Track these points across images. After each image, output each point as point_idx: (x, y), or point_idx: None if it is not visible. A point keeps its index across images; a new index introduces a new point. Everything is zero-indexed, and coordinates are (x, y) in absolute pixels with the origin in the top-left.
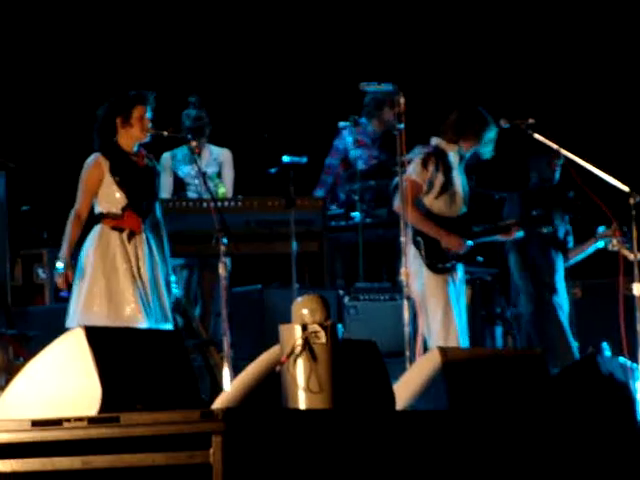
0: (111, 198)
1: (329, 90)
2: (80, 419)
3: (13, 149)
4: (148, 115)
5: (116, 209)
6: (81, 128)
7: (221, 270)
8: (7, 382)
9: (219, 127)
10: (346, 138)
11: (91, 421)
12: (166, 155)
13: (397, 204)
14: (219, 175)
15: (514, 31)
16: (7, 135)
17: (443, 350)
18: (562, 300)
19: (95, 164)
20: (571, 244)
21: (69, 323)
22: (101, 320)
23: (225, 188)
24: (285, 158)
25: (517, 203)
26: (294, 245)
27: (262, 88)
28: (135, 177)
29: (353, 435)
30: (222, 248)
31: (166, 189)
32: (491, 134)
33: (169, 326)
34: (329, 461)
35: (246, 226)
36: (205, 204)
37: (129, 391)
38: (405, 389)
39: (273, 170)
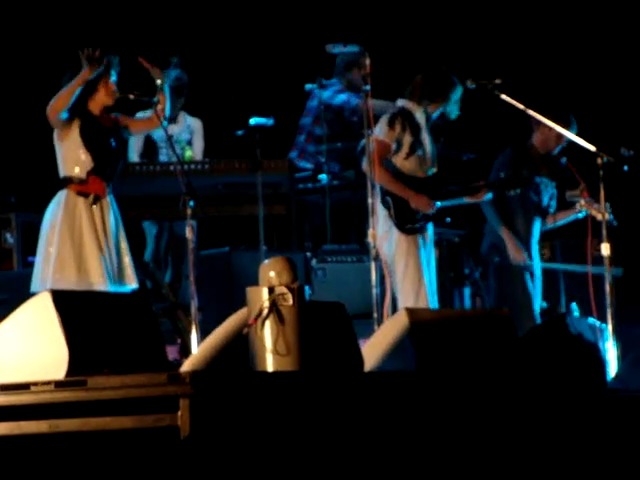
0: (77, 160)
1: (295, 52)
2: (47, 383)
3: None
4: (113, 79)
5: (80, 172)
6: (48, 90)
7: (188, 233)
8: None
9: (189, 95)
10: (321, 94)
11: (58, 385)
12: (139, 115)
13: (365, 165)
14: (190, 143)
15: None
16: None
17: (411, 311)
18: (534, 264)
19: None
20: (553, 209)
21: (36, 287)
22: (70, 286)
23: (192, 152)
24: (252, 120)
25: (509, 159)
26: (261, 208)
27: (229, 50)
28: (102, 141)
29: (321, 397)
30: (189, 211)
31: (136, 151)
32: (457, 95)
33: (135, 287)
34: (297, 423)
35: (213, 189)
36: (172, 167)
37: (96, 355)
38: (373, 351)
39: (240, 132)
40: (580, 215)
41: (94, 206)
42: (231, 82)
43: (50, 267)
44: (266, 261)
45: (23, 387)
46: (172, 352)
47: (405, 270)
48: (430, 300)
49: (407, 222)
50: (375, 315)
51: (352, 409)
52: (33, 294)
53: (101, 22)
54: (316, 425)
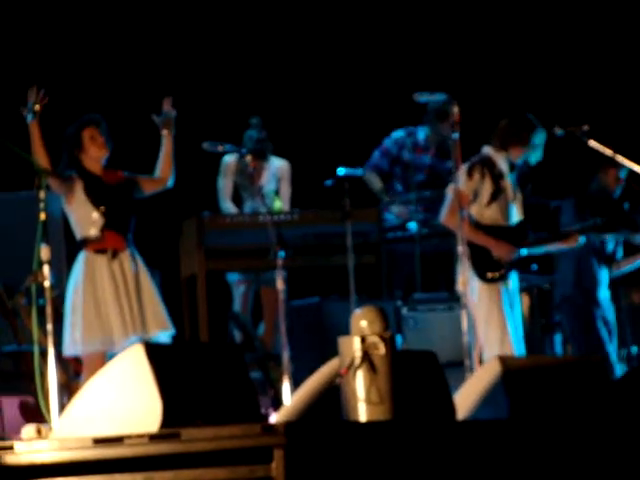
0: (89, 219)
1: (383, 101)
2: (141, 436)
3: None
4: (102, 134)
5: (95, 230)
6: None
7: (279, 284)
8: (68, 400)
9: (276, 140)
10: (396, 140)
11: (152, 437)
12: (229, 159)
13: (444, 216)
14: (277, 192)
15: (568, 38)
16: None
17: (503, 359)
18: (606, 312)
19: (72, 175)
20: (620, 255)
21: (65, 351)
22: (96, 346)
23: (281, 202)
24: (340, 170)
25: (572, 209)
26: (351, 257)
27: (318, 100)
28: (108, 195)
29: (414, 446)
30: (279, 262)
31: (227, 193)
32: (538, 139)
33: (169, 333)
34: (391, 473)
35: (303, 239)
36: (261, 218)
37: (189, 406)
38: (465, 399)
39: (329, 182)
40: None
41: (114, 261)
42: (320, 132)
43: (77, 331)
44: (358, 310)
45: (117, 440)
46: (264, 403)
47: (488, 319)
48: (516, 348)
49: (487, 270)
50: (466, 363)
51: (446, 458)
52: (59, 358)
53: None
54: (410, 475)
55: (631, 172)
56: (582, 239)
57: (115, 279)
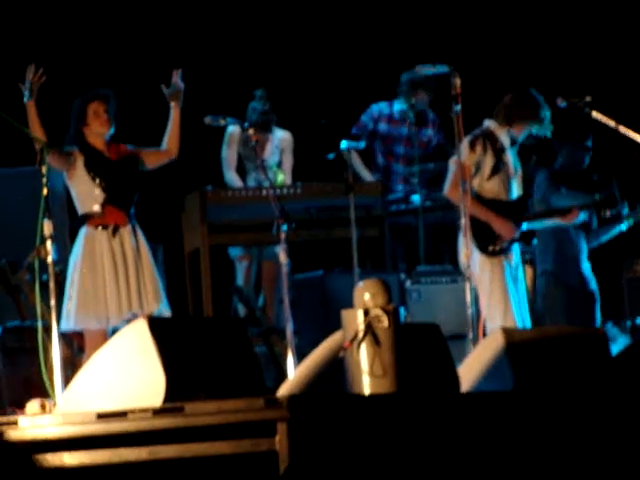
0: (90, 195)
1: (386, 73)
2: (145, 410)
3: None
4: (106, 109)
5: (97, 206)
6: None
7: (282, 257)
8: (72, 375)
9: (279, 113)
10: (372, 114)
11: (156, 412)
12: (233, 129)
13: (447, 189)
14: (279, 165)
15: (570, 8)
16: (65, 128)
17: (506, 331)
18: (589, 280)
19: (72, 150)
20: (594, 225)
21: (62, 326)
22: (91, 322)
23: (284, 175)
24: (343, 143)
25: (544, 182)
26: (354, 230)
27: (319, 74)
28: (110, 170)
29: (418, 418)
30: (282, 235)
31: (231, 163)
32: (545, 116)
33: (166, 308)
34: (395, 445)
35: (306, 212)
36: (264, 192)
37: (193, 381)
38: (469, 371)
39: (331, 156)
40: (622, 227)
41: (114, 236)
42: (322, 105)
43: (73, 306)
44: (361, 283)
45: (121, 415)
46: (268, 377)
47: (490, 291)
48: (519, 320)
49: (488, 244)
50: (470, 335)
51: (449, 430)
52: (62, 334)
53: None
54: (414, 447)
55: (634, 143)
56: (582, 215)
57: (115, 255)
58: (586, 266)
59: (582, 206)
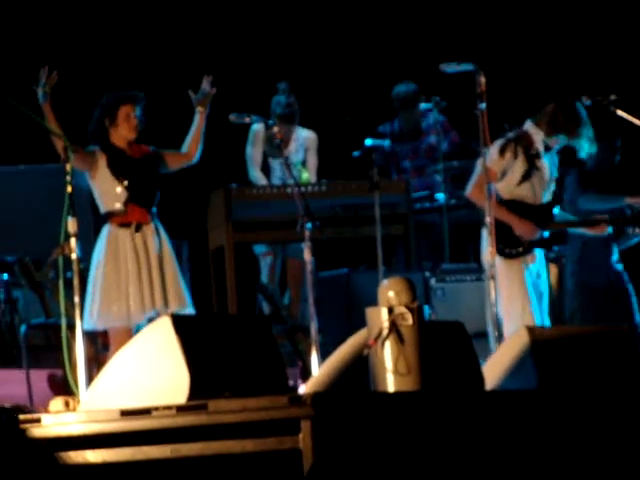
0: (112, 193)
1: (411, 72)
2: (168, 408)
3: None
4: (137, 114)
5: (119, 204)
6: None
7: (306, 255)
8: (96, 372)
9: (303, 111)
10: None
11: (179, 409)
12: (257, 126)
13: (469, 190)
14: (303, 163)
15: (595, 6)
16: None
17: (531, 329)
18: (621, 284)
19: (95, 150)
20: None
21: (85, 325)
22: (114, 321)
23: (308, 173)
24: (368, 141)
25: (571, 183)
26: (379, 228)
27: (344, 72)
28: (132, 169)
29: (442, 416)
30: (307, 233)
31: (256, 162)
32: (587, 133)
33: (188, 306)
34: (419, 443)
35: (330, 210)
36: (288, 189)
37: (217, 378)
38: (494, 369)
39: (356, 153)
40: None
41: (137, 234)
42: (347, 103)
43: (96, 305)
44: (385, 281)
45: (145, 412)
46: (292, 374)
47: (508, 293)
48: (538, 321)
49: (506, 247)
50: (495, 334)
51: (474, 428)
52: (86, 332)
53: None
54: (438, 445)
55: None
56: (609, 229)
57: (138, 253)
58: (617, 267)
59: (610, 221)
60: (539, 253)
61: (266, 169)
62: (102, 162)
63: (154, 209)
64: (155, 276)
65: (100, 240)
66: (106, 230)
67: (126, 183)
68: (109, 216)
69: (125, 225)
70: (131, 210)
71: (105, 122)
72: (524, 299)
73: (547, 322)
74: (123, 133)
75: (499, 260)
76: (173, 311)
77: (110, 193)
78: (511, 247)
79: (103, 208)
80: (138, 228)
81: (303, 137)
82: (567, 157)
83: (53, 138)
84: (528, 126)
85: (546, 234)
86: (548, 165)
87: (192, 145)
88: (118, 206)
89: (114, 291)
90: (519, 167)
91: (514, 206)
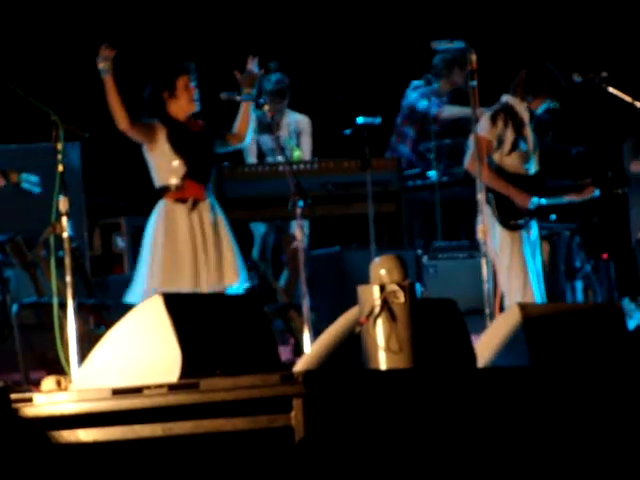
0: (170, 167)
1: (401, 49)
2: (160, 386)
3: (86, 119)
4: (193, 84)
5: (176, 179)
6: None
7: (298, 233)
8: (88, 351)
9: (294, 91)
10: (409, 96)
11: (171, 388)
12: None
13: (468, 162)
14: (298, 144)
15: None
16: (80, 105)
17: (523, 306)
18: None
19: (154, 123)
20: None
21: (136, 299)
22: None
23: (300, 152)
24: (359, 119)
25: (624, 150)
26: (371, 206)
27: (335, 50)
28: (191, 143)
29: (435, 394)
30: (298, 211)
31: (252, 151)
32: (562, 87)
33: (245, 282)
34: (411, 421)
35: (322, 188)
36: (281, 168)
37: (209, 356)
38: (486, 346)
39: (348, 131)
40: None
41: (193, 210)
42: (338, 81)
43: (154, 279)
44: (377, 259)
45: (136, 391)
46: (285, 352)
47: (510, 266)
48: (537, 295)
49: (510, 218)
50: (487, 311)
51: (466, 405)
52: (130, 305)
53: (194, 26)
54: (430, 422)
55: None
56: (597, 191)
57: (193, 230)
58: None
59: (595, 182)
60: (534, 228)
61: (260, 154)
62: (162, 135)
63: (210, 185)
64: (211, 252)
65: (154, 215)
66: (161, 205)
67: (185, 158)
68: (164, 191)
69: (181, 201)
70: (188, 185)
71: (164, 95)
72: (525, 272)
73: (544, 296)
74: (183, 105)
75: (502, 233)
76: (229, 285)
77: (167, 167)
78: (515, 218)
79: (158, 182)
80: (194, 204)
81: (296, 121)
82: (554, 132)
83: (113, 109)
84: (507, 98)
85: (543, 202)
86: (532, 135)
87: (242, 126)
88: (174, 181)
89: (170, 266)
90: (509, 137)
91: (509, 177)
